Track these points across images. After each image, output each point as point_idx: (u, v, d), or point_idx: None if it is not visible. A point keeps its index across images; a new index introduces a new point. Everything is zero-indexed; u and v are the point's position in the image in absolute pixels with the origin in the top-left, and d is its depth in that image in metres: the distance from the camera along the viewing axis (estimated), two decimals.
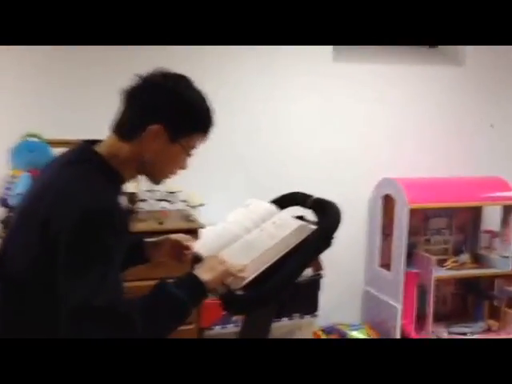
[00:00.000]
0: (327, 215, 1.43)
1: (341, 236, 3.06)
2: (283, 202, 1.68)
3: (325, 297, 2.81)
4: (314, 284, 2.61)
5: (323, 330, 2.97)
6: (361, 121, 3.12)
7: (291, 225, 1.46)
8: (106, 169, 1.22)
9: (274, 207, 1.60)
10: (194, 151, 1.31)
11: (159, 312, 1.16)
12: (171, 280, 1.24)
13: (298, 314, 2.67)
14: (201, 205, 2.45)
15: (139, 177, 2.39)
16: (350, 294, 3.22)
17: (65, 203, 1.11)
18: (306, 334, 2.75)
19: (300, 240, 1.42)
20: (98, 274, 1.07)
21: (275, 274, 1.37)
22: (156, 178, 1.33)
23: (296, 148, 3.01)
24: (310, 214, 1.61)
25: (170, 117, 1.22)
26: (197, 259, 1.61)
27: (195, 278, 1.25)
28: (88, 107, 2.51)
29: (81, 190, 1.14)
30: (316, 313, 2.72)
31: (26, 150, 2.22)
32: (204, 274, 1.26)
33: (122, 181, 1.29)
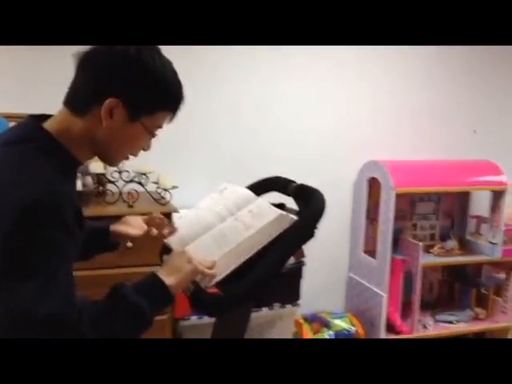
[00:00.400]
0: (310, 204, 1.27)
1: (324, 221, 2.96)
2: (262, 187, 1.52)
3: (307, 284, 2.69)
4: (296, 272, 2.46)
5: (305, 319, 2.86)
6: (345, 101, 2.97)
7: (269, 214, 1.30)
8: (54, 149, 1.03)
9: (250, 193, 1.44)
10: (158, 131, 1.12)
11: (114, 320, 0.99)
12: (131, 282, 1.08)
13: (278, 304, 2.52)
14: (173, 187, 2.27)
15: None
16: (333, 281, 3.10)
17: (0, 194, 0.93)
18: (288, 324, 2.62)
19: (279, 231, 1.26)
20: (43, 277, 0.90)
21: (251, 269, 1.21)
22: (111, 160, 1.15)
23: (278, 129, 2.86)
24: (291, 202, 1.45)
25: (130, 90, 1.02)
26: (166, 249, 1.46)
27: (158, 282, 1.08)
28: (50, 79, 2.29)
29: (20, 177, 0.95)
30: (298, 301, 2.58)
31: None
32: (168, 275, 1.10)
33: (75, 163, 1.09)
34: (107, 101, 1.00)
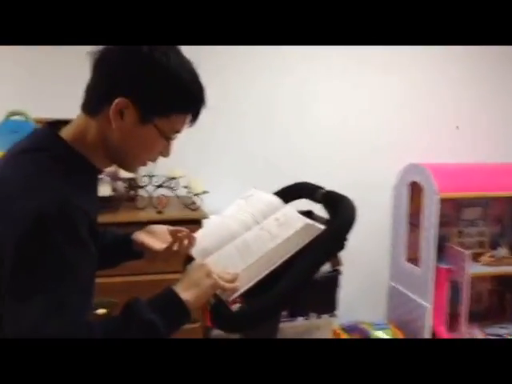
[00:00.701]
0: (339, 212, 1.16)
1: (363, 227, 2.83)
2: (289, 193, 1.42)
3: (346, 293, 2.57)
4: (332, 281, 2.34)
5: (344, 329, 2.74)
6: (383, 101, 2.83)
7: (296, 223, 1.20)
8: (69, 157, 0.97)
9: (277, 200, 1.35)
10: (176, 135, 1.04)
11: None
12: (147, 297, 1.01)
13: (314, 314, 2.41)
14: (204, 192, 2.20)
15: None
16: (373, 290, 2.96)
17: (9, 206, 0.87)
18: (325, 334, 2.50)
19: (306, 242, 1.16)
20: (52, 295, 0.84)
21: (276, 281, 1.12)
22: (126, 165, 1.07)
23: (314, 131, 2.75)
24: (320, 209, 1.35)
25: (140, 89, 0.95)
26: (190, 259, 1.38)
27: (174, 297, 1.01)
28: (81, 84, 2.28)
29: (32, 187, 0.89)
30: (335, 312, 2.46)
31: (9, 130, 1.99)
32: (186, 290, 1.03)
33: (93, 170, 1.04)
34: (116, 100, 0.94)
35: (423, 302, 2.64)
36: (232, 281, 1.12)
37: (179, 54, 1.00)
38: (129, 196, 2.24)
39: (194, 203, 2.20)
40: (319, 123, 2.75)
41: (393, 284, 2.93)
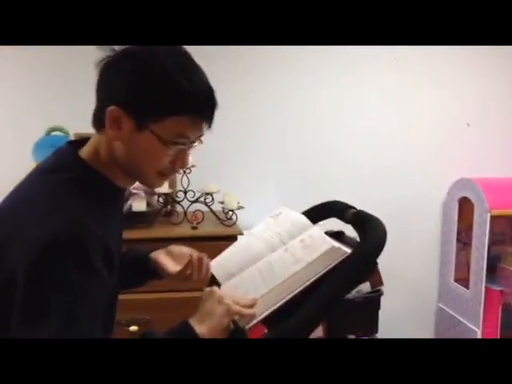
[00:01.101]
0: (367, 235, 1.08)
1: (410, 244, 2.72)
2: (319, 213, 1.35)
3: (389, 313, 2.44)
4: (373, 302, 2.23)
5: None
6: (434, 111, 2.69)
7: (321, 246, 1.13)
8: (88, 178, 0.95)
9: (305, 220, 1.28)
10: (184, 141, 0.95)
11: None
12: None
13: (353, 336, 2.30)
14: (239, 207, 2.15)
15: (176, 175, 2.21)
16: (420, 312, 2.82)
17: (23, 230, 0.85)
18: None
19: (331, 266, 1.09)
20: (59, 321, 0.81)
21: (297, 309, 1.05)
22: (143, 179, 1.02)
23: (357, 145, 2.65)
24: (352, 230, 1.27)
25: (129, 95, 0.90)
26: (214, 280, 1.34)
27: (188, 332, 0.96)
28: None
29: (46, 213, 0.86)
30: (375, 334, 2.34)
31: (48, 146, 2.02)
32: (201, 322, 0.98)
33: (114, 189, 1.01)
34: (108, 109, 0.90)
35: (472, 327, 2.48)
36: (250, 306, 1.06)
37: (174, 53, 0.94)
38: (164, 211, 2.23)
39: (229, 219, 2.16)
40: (366, 138, 2.65)
41: (440, 305, 2.78)
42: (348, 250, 1.08)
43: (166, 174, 1.01)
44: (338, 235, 1.26)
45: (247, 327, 1.06)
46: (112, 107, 0.90)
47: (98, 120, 0.95)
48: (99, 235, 0.89)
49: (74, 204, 0.89)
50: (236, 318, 1.06)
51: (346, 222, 1.23)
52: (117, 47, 0.96)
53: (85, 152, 0.98)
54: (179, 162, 0.99)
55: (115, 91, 0.92)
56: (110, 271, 0.93)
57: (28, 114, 2.33)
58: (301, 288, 1.08)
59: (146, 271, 1.28)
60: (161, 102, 0.90)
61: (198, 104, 0.93)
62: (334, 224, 1.31)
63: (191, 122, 0.93)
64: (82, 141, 1.02)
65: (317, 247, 1.13)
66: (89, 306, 0.86)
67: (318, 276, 1.08)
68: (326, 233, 1.22)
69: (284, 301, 1.08)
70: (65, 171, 0.94)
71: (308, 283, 1.09)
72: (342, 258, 1.07)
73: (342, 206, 1.28)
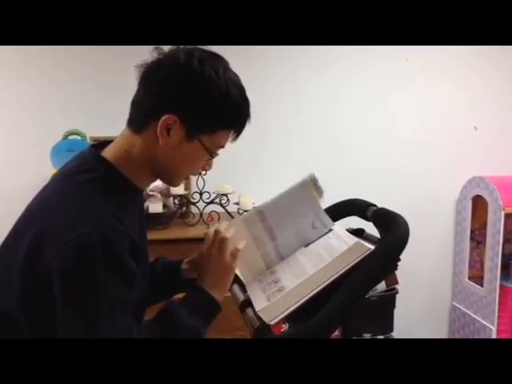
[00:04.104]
0: (391, 231, 1.09)
1: (424, 243, 2.72)
2: (340, 210, 1.36)
3: (404, 312, 2.45)
4: (388, 301, 2.23)
5: None
6: (444, 111, 2.71)
7: (345, 242, 1.14)
8: (112, 179, 0.97)
9: (327, 217, 1.29)
10: (219, 151, 1.02)
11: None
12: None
13: (369, 335, 2.31)
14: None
15: (191, 177, 2.23)
16: (433, 310, 2.82)
17: (53, 233, 0.86)
18: None
19: (354, 262, 1.10)
20: (92, 322, 0.84)
21: (321, 305, 1.06)
22: (171, 180, 1.06)
23: (372, 143, 2.67)
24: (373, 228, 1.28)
25: (188, 106, 0.93)
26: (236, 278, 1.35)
27: (208, 298, 1.05)
28: None
29: (74, 215, 0.87)
30: (390, 333, 2.35)
31: (66, 149, 2.04)
32: (213, 287, 1.07)
33: (134, 191, 1.03)
34: (164, 117, 0.92)
35: (487, 324, 2.48)
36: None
37: (227, 68, 0.98)
38: (180, 213, 2.24)
39: None
40: (380, 136, 2.67)
41: (455, 304, 2.78)
42: (371, 247, 1.09)
43: (192, 175, 1.06)
44: (358, 233, 1.27)
45: (272, 323, 1.08)
46: (169, 115, 0.92)
47: (142, 123, 0.96)
48: (125, 232, 0.90)
49: (99, 204, 0.91)
50: (261, 314, 1.08)
51: (367, 219, 1.24)
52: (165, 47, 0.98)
53: (109, 152, 0.99)
54: (207, 166, 1.05)
55: (170, 100, 0.93)
56: (137, 266, 0.95)
57: (46, 118, 2.36)
58: (324, 285, 1.09)
59: (178, 283, 1.28)
60: (215, 116, 0.95)
61: (243, 118, 0.99)
62: (353, 222, 1.32)
63: (232, 134, 1.00)
64: (102, 143, 1.04)
65: (341, 243, 1.15)
66: (122, 305, 0.88)
67: (341, 272, 1.09)
68: (347, 230, 1.24)
69: (307, 298, 1.09)
70: (89, 172, 0.95)
71: (332, 279, 1.09)
72: (366, 254, 1.09)
73: (363, 203, 1.28)
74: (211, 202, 2.20)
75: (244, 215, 1.29)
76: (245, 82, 1.01)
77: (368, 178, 2.63)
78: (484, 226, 2.55)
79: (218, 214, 2.17)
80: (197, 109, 0.94)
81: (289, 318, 1.11)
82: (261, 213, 1.26)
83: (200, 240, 1.36)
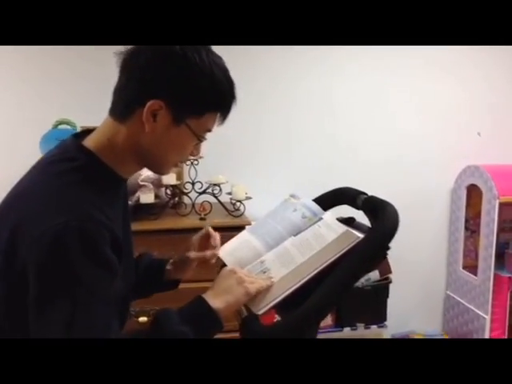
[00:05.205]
0: (380, 220, 1.07)
1: (418, 232, 2.71)
2: (330, 199, 1.34)
3: (398, 302, 2.46)
4: (381, 290, 2.24)
5: None
6: (441, 101, 2.70)
7: (334, 231, 1.13)
8: (93, 168, 0.94)
9: (317, 206, 1.28)
10: (207, 135, 1.01)
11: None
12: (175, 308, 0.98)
13: (362, 324, 2.31)
14: (247, 198, 2.15)
15: (183, 166, 2.21)
16: (428, 300, 2.83)
17: (30, 224, 0.84)
18: None
19: (344, 251, 1.09)
20: (69, 314, 0.81)
21: (309, 295, 1.05)
22: (159, 168, 1.05)
23: (367, 133, 2.65)
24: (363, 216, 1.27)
25: (173, 90, 0.92)
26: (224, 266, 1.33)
27: (204, 307, 0.97)
28: None
29: (52, 205, 0.85)
30: (384, 322, 2.35)
31: (55, 139, 2.01)
32: (216, 298, 0.99)
33: (117, 180, 1.01)
34: (149, 103, 0.91)
35: (481, 313, 2.49)
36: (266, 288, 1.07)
37: (210, 52, 0.96)
38: (172, 203, 2.23)
39: (237, 209, 2.16)
40: (373, 126, 2.65)
41: (449, 293, 2.78)
42: (361, 235, 1.08)
43: (181, 163, 1.03)
44: (348, 221, 1.25)
45: (260, 313, 1.07)
46: (154, 101, 0.90)
47: (126, 110, 0.94)
48: (106, 224, 0.88)
49: (79, 195, 0.89)
50: (250, 304, 1.07)
51: (358, 207, 1.23)
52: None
53: (90, 141, 0.97)
54: (195, 151, 1.04)
55: (154, 85, 0.92)
56: (119, 260, 0.93)
57: (36, 108, 2.34)
58: (313, 273, 1.08)
59: (161, 282, 1.29)
60: (204, 100, 0.94)
61: (228, 101, 0.98)
62: (344, 211, 1.31)
63: (218, 117, 0.99)
64: (84, 132, 1.01)
65: (330, 232, 1.14)
66: (102, 297, 0.86)
67: (331, 261, 1.08)
68: (337, 219, 1.22)
69: (296, 287, 1.08)
70: (69, 161, 0.93)
71: (321, 268, 1.08)
72: (355, 242, 1.07)
73: (353, 192, 1.27)
74: (203, 192, 2.18)
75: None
76: (241, 71, 1.00)
77: (362, 168, 2.62)
78: (478, 215, 2.54)
79: (210, 204, 2.16)
80: (182, 92, 0.92)
81: (278, 308, 1.11)
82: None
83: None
